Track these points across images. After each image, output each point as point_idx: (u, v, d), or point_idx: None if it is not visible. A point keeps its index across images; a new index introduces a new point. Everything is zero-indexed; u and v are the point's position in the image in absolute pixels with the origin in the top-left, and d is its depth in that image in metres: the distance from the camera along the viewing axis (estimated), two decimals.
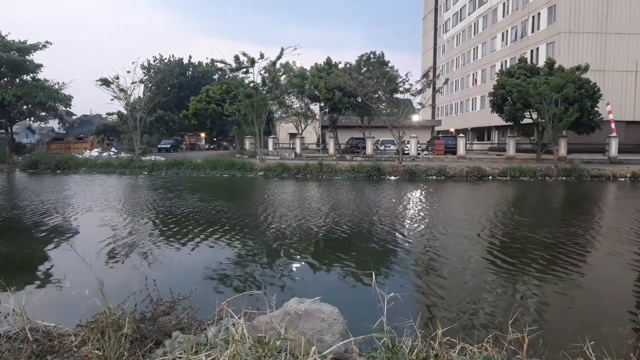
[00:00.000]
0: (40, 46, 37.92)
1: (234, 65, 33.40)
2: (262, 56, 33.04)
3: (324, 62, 40.33)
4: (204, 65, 72.52)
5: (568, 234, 10.93)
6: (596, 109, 31.12)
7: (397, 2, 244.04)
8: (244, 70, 33.59)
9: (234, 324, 3.03)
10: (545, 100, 27.44)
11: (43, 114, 44.54)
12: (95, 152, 41.45)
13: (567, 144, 33.53)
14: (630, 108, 40.90)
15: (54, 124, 56.49)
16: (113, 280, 6.88)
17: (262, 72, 34.52)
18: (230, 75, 35.29)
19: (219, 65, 35.48)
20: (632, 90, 41.01)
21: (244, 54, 32.85)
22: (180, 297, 4.04)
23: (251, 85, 33.96)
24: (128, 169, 31.17)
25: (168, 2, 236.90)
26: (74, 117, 61.63)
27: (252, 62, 32.80)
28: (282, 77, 37.38)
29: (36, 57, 38.91)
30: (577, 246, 9.77)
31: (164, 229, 11.50)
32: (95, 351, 2.82)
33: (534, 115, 32.79)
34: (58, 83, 40.67)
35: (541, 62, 38.18)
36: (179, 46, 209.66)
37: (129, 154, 38.27)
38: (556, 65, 32.99)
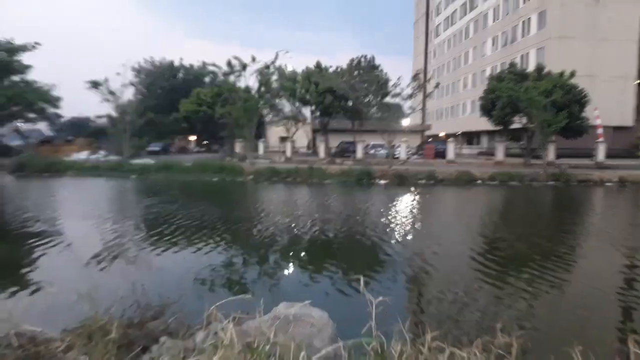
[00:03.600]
0: (30, 47, 37.68)
1: (226, 69, 33.39)
2: (254, 59, 33.06)
3: (314, 65, 40.46)
4: (196, 68, 72.38)
5: (556, 239, 11.01)
6: (584, 114, 31.43)
7: (388, 7, 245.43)
8: (237, 74, 33.58)
9: (222, 329, 3.01)
10: (535, 105, 27.66)
11: (32, 115, 44.16)
12: (84, 155, 41.11)
13: (555, 149, 33.85)
14: (617, 114, 41.44)
15: (42, 126, 55.85)
16: (100, 286, 6.81)
17: (256, 75, 34.52)
18: (222, 78, 35.24)
19: (212, 69, 35.53)
20: (619, 96, 41.56)
21: (237, 58, 32.87)
22: (168, 301, 4.00)
23: (243, 88, 33.94)
24: (117, 172, 30.90)
25: (158, 6, 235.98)
26: (62, 119, 60.97)
27: (244, 66, 32.79)
28: (274, 81, 37.38)
29: (25, 58, 38.67)
30: (566, 251, 9.85)
31: (152, 233, 11.42)
32: (82, 356, 2.79)
33: (523, 120, 33.06)
34: (47, 84, 40.43)
35: (531, 67, 38.57)
36: (169, 49, 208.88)
37: (118, 157, 38.00)
38: (545, 71, 33.31)
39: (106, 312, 3.42)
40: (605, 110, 38.41)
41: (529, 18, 45.03)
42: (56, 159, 35.96)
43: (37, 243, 10.10)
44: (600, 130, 34.58)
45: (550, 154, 32.82)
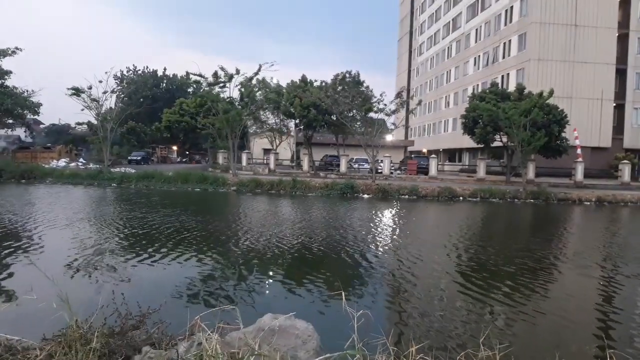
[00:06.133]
0: (10, 52, 37.15)
1: (211, 79, 33.33)
2: (238, 72, 33.07)
3: (299, 79, 40.73)
4: (179, 77, 72.27)
5: (536, 255, 11.14)
6: (563, 134, 32.09)
7: (373, 24, 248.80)
8: (221, 85, 33.53)
9: (206, 339, 2.97)
10: (515, 125, 28.16)
11: (10, 121, 43.41)
12: (62, 162, 40.46)
13: (535, 168, 34.48)
14: (595, 134, 42.41)
15: (20, 132, 54.95)
16: (80, 294, 6.66)
17: (239, 87, 34.53)
18: (206, 88, 35.17)
19: (197, 78, 35.50)
20: (598, 117, 42.58)
21: (223, 69, 32.85)
22: (150, 310, 3.93)
23: (227, 99, 33.90)
24: (96, 180, 30.43)
25: (143, 14, 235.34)
26: (42, 126, 60.13)
27: (230, 77, 32.78)
28: (258, 93, 37.48)
29: (5, 63, 38.13)
30: (546, 267, 9.97)
31: (132, 243, 11.24)
32: None
33: (504, 139, 33.60)
34: (27, 90, 39.86)
35: (511, 87, 39.37)
36: (153, 58, 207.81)
37: (97, 165, 37.51)
38: (526, 91, 33.98)
39: (86, 320, 3.35)
40: (583, 131, 39.34)
41: (510, 40, 46.02)
42: (34, 165, 35.37)
43: (8, 250, 9.86)
44: (579, 151, 35.37)
45: (530, 172, 33.42)
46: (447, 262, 10.20)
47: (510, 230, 17.05)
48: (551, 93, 31.28)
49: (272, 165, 39.01)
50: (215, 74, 32.83)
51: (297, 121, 40.57)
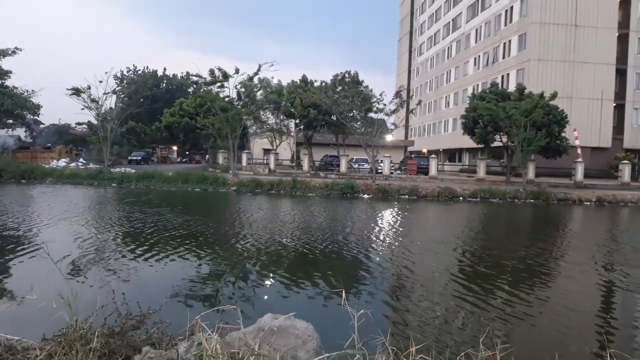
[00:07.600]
0: (10, 52, 37.16)
1: (208, 79, 33.24)
2: (237, 71, 32.99)
3: (299, 79, 40.77)
4: (179, 77, 72.31)
5: (536, 255, 11.14)
6: (563, 134, 32.06)
7: (373, 24, 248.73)
8: (219, 84, 33.45)
9: (206, 339, 2.97)
10: (515, 125, 28.15)
11: (10, 121, 43.40)
12: (62, 162, 40.45)
13: (535, 168, 34.46)
14: (595, 135, 42.39)
15: (20, 132, 54.94)
16: (80, 294, 6.65)
17: (238, 87, 34.49)
18: (205, 88, 35.12)
19: (194, 78, 35.44)
20: (598, 117, 42.55)
21: (219, 69, 32.78)
22: (150, 310, 3.93)
23: (226, 99, 33.86)
24: (96, 180, 30.43)
25: (143, 14, 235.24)
26: (42, 126, 60.07)
27: (226, 76, 32.67)
28: (259, 93, 37.45)
29: (5, 63, 38.14)
30: (546, 267, 9.96)
31: (132, 243, 11.23)
32: None
33: (504, 139, 33.57)
34: (27, 91, 39.86)
35: (511, 87, 39.34)
36: (153, 58, 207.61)
37: (98, 165, 37.50)
38: (526, 92, 33.95)
39: (86, 320, 3.34)
40: (583, 131, 39.29)
41: (510, 40, 46.00)
42: (34, 165, 35.35)
43: (8, 250, 9.86)
44: (579, 151, 35.34)
45: (530, 172, 33.40)
46: (447, 262, 10.20)
47: (510, 231, 17.04)
48: (554, 95, 31.27)
49: (272, 166, 38.98)
50: (211, 72, 32.69)
51: (297, 121, 40.57)
